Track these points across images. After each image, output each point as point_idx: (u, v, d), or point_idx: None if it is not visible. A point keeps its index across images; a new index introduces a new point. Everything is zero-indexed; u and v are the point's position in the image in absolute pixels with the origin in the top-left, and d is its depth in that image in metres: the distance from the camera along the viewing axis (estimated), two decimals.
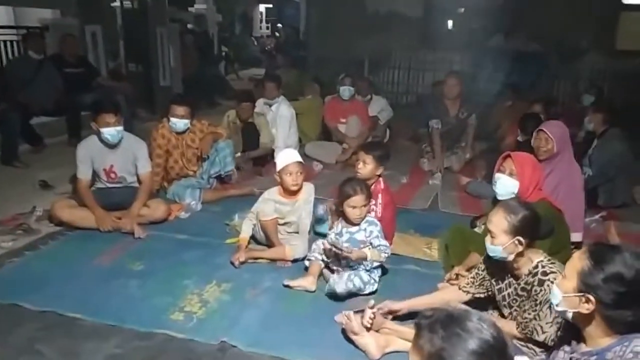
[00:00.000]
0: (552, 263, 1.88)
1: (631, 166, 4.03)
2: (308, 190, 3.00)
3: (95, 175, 3.31)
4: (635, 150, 4.11)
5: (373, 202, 2.93)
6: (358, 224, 2.60)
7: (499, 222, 1.90)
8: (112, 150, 3.24)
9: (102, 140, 3.19)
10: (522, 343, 1.94)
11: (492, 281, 2.11)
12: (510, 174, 2.45)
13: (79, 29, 6.18)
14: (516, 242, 1.87)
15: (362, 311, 2.14)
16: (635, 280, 1.29)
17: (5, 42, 5.58)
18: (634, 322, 1.30)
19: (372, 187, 2.98)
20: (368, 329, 2.11)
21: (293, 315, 2.36)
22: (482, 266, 2.16)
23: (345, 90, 5.10)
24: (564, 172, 2.92)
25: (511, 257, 1.92)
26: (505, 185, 2.46)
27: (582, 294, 1.33)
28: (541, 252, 1.95)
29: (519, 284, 1.97)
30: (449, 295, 2.29)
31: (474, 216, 3.43)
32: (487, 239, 1.96)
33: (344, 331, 2.17)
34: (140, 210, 3.23)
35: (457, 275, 2.56)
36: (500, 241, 1.89)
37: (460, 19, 9.97)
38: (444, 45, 8.86)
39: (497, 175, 2.50)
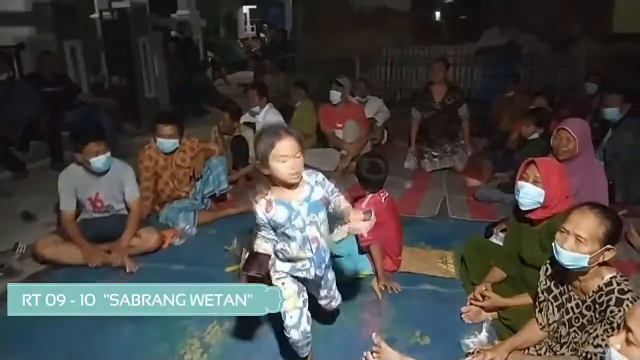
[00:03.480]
0: (625, 280, 1.68)
1: None
2: None
3: (80, 205, 3.08)
4: None
5: None
6: (297, 184, 1.81)
7: (593, 227, 1.67)
8: (97, 178, 2.99)
9: (85, 168, 2.95)
10: None
11: (551, 298, 1.89)
12: (535, 182, 2.24)
13: (57, 45, 5.91)
14: (606, 251, 1.67)
15: None
16: None
17: None
18: None
19: (357, 204, 2.79)
20: None
21: None
22: (542, 285, 1.93)
23: (333, 95, 4.87)
24: (587, 173, 2.73)
25: (588, 268, 1.71)
26: (529, 193, 2.25)
27: None
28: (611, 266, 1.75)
29: (583, 301, 1.76)
30: (525, 338, 2.00)
31: (490, 223, 3.23)
32: (568, 245, 1.70)
33: None
34: (130, 240, 2.99)
35: (482, 295, 2.35)
36: (591, 249, 1.67)
37: (448, 10, 9.79)
38: (435, 39, 8.66)
39: (520, 183, 2.29)
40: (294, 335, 1.86)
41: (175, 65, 7.71)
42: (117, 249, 2.92)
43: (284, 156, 1.70)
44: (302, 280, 1.93)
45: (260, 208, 1.78)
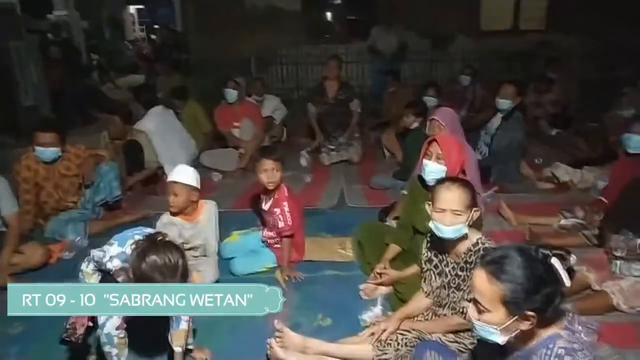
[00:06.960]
0: (489, 240, 1.91)
1: (524, 149, 4.32)
2: (210, 209, 2.75)
3: None
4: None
5: (278, 210, 2.79)
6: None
7: (463, 198, 1.86)
8: None
9: None
10: (452, 338, 1.93)
11: (432, 267, 2.07)
12: (437, 159, 2.45)
13: None
14: (474, 213, 1.87)
15: None
16: (544, 273, 1.27)
17: None
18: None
19: (276, 195, 2.85)
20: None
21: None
22: (424, 257, 2.12)
23: (229, 94, 4.86)
24: None
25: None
26: (434, 171, 2.44)
27: (517, 315, 1.28)
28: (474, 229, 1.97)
29: (457, 264, 1.96)
30: (413, 307, 2.13)
31: (381, 209, 3.45)
32: (449, 221, 1.85)
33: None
34: (10, 258, 2.74)
35: (380, 273, 2.52)
36: (466, 216, 1.86)
37: (337, 10, 10.15)
38: (327, 38, 8.95)
39: (425, 161, 2.49)
40: (99, 332, 1.88)
41: (55, 71, 7.12)
42: None
43: None
44: None
45: None
